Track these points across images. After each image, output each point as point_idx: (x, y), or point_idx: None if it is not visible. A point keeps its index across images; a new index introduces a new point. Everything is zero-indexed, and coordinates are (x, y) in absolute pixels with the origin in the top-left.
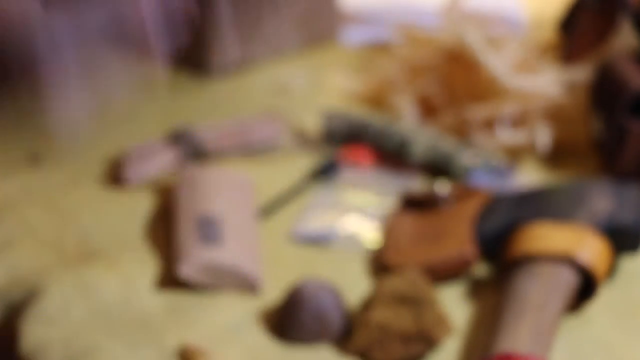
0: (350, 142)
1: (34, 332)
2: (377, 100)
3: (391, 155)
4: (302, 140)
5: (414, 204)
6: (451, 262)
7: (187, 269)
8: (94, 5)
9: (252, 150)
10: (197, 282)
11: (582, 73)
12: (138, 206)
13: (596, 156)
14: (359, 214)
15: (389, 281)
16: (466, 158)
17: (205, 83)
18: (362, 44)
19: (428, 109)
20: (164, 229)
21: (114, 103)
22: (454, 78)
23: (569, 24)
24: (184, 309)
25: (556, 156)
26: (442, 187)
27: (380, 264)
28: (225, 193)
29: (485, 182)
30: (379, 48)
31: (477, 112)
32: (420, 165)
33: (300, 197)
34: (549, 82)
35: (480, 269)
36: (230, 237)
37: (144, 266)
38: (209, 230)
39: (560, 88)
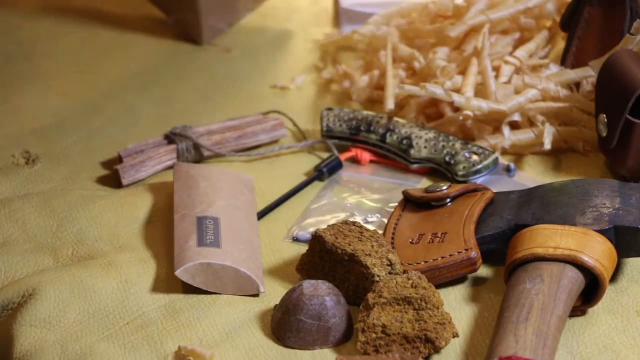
0: (350, 141)
1: (29, 335)
2: (378, 99)
3: (392, 154)
4: (302, 139)
5: (415, 204)
6: (455, 264)
7: (185, 271)
8: None
9: (252, 150)
10: (196, 284)
11: (587, 72)
12: (136, 206)
13: (601, 155)
14: (359, 214)
15: (390, 282)
16: (469, 157)
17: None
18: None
19: (430, 108)
20: (162, 230)
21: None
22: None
23: (570, 22)
24: (183, 311)
25: (560, 155)
26: (444, 187)
27: None
28: (225, 193)
29: (488, 182)
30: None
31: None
32: (422, 164)
33: (300, 197)
34: (553, 81)
35: (483, 270)
36: (229, 238)
37: (142, 267)
38: (207, 230)
39: (565, 87)
